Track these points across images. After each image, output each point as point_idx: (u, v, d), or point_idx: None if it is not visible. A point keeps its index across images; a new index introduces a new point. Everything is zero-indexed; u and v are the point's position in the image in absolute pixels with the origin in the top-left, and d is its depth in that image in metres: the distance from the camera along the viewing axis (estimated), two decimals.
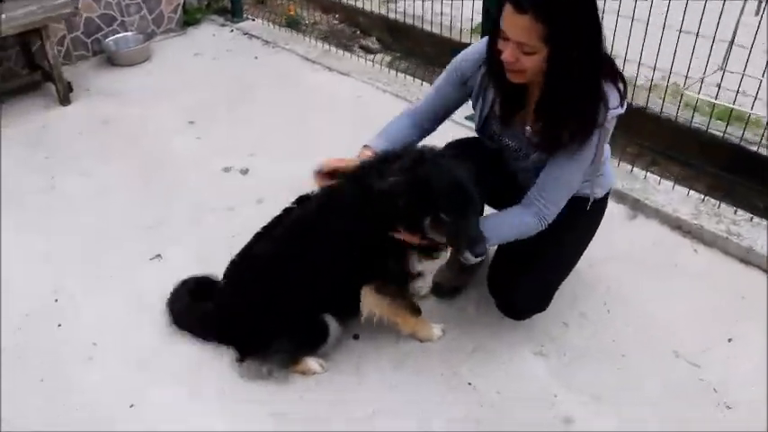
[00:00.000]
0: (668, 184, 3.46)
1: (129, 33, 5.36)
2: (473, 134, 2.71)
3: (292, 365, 2.57)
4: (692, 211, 3.26)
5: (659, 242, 3.21)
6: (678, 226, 3.25)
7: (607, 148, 2.53)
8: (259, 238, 2.60)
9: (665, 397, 2.48)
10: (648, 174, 3.54)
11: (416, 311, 2.63)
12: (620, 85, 2.20)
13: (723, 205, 3.29)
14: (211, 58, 5.27)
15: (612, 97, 2.18)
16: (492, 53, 2.22)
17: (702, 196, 3.35)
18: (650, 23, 3.41)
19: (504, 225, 2.37)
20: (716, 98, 3.12)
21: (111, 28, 5.33)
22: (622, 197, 3.43)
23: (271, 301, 2.47)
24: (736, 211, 3.24)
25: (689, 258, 3.11)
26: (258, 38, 5.56)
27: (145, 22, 5.52)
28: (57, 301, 2.98)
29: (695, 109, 3.65)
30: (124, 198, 3.65)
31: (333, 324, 2.55)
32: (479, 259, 2.26)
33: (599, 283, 2.98)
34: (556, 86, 2.14)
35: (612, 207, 3.40)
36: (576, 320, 2.81)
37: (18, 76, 4.85)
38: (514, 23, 2.02)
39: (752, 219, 3.19)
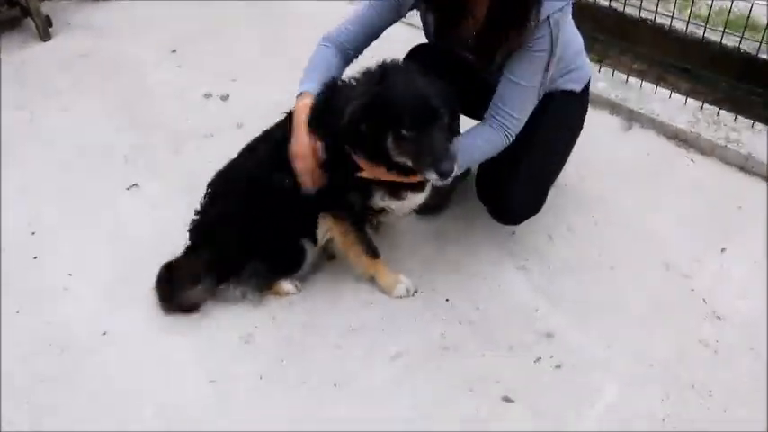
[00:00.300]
0: (665, 92, 3.28)
1: None
2: None
3: (267, 288, 2.50)
4: (689, 119, 3.09)
5: (654, 152, 3.05)
6: (674, 135, 3.08)
7: (579, 40, 2.37)
8: (242, 154, 2.49)
9: (652, 309, 2.39)
10: (644, 83, 3.35)
11: (373, 252, 2.44)
12: None
13: (723, 113, 3.11)
14: None
15: None
16: None
17: (701, 104, 3.16)
18: None
19: (468, 147, 2.23)
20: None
21: None
22: (616, 108, 3.26)
23: (245, 222, 2.38)
24: (735, 119, 3.06)
25: (684, 168, 2.96)
26: None
27: None
28: (33, 233, 2.93)
29: (707, 21, 3.40)
30: (102, 129, 3.55)
31: (309, 248, 2.46)
32: (447, 181, 2.02)
33: (588, 195, 2.85)
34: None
35: (606, 118, 3.29)
36: (563, 234, 2.70)
37: None
38: None
39: (753, 125, 3.01)
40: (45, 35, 4.46)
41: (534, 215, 2.51)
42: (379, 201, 2.27)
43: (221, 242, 2.43)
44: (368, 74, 2.13)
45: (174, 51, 4.20)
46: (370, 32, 2.37)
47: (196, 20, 4.57)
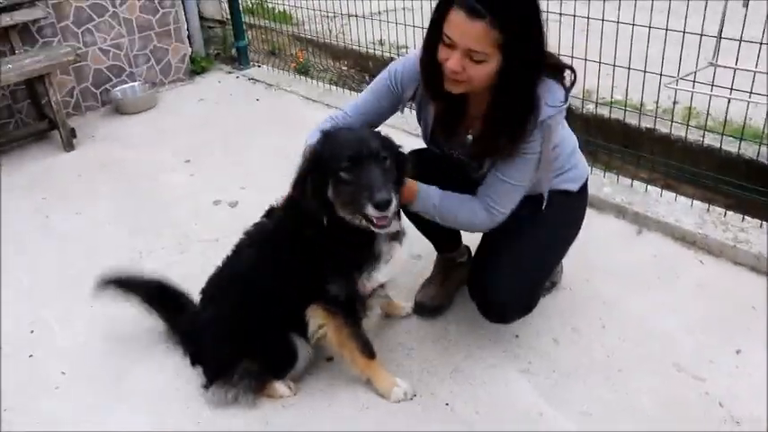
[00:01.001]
0: (670, 195, 3.27)
1: (137, 83, 5.47)
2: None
3: (259, 390, 2.41)
4: (695, 221, 3.05)
5: (661, 254, 2.99)
6: (682, 237, 3.04)
7: (573, 139, 2.40)
8: (229, 257, 2.50)
9: (665, 413, 2.25)
10: (650, 186, 3.35)
11: (369, 352, 2.35)
12: (566, 79, 2.10)
13: (730, 213, 3.07)
14: (214, 102, 5.33)
15: (552, 94, 2.07)
16: (429, 61, 2.08)
17: (707, 206, 3.14)
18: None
19: (454, 198, 2.26)
20: (711, 92, 2.92)
21: (119, 79, 5.45)
22: (622, 211, 3.25)
23: (233, 322, 2.34)
24: (743, 219, 3.02)
25: (693, 269, 2.89)
26: (262, 82, 5.62)
27: (153, 73, 5.64)
28: (32, 332, 2.92)
29: (706, 128, 3.44)
30: (113, 232, 3.62)
31: (302, 346, 2.39)
32: (387, 223, 2.00)
33: (594, 298, 2.78)
34: (507, 94, 2.04)
35: (611, 222, 3.26)
36: (568, 336, 2.60)
37: (27, 125, 4.96)
38: (466, 30, 1.90)
39: (761, 225, 2.96)
40: (69, 146, 4.67)
41: (525, 314, 2.44)
42: (366, 281, 2.19)
43: (209, 344, 2.40)
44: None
45: (188, 161, 4.35)
46: (369, 121, 2.41)
47: (213, 129, 4.79)
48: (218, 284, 2.48)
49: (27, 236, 3.68)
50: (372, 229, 2.04)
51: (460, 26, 1.91)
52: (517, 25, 1.90)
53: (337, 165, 1.99)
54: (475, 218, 2.24)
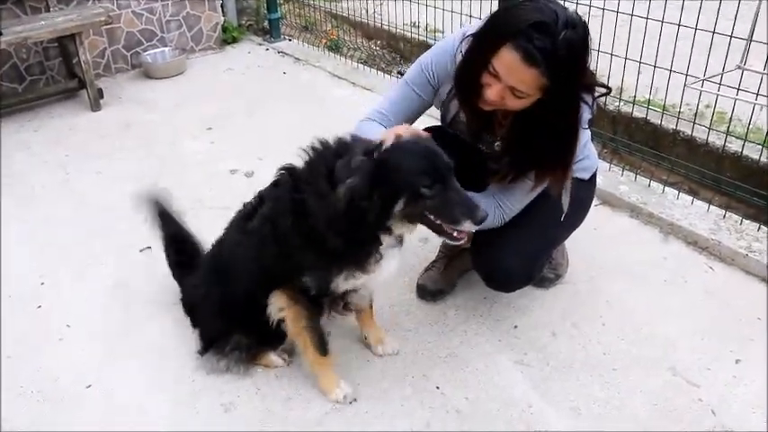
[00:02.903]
0: (687, 198, 3.21)
1: (167, 49, 5.51)
2: None
3: (252, 360, 2.44)
4: (710, 227, 3.00)
5: (671, 257, 2.95)
6: (694, 241, 2.99)
7: (587, 132, 2.37)
8: (227, 229, 2.47)
9: (655, 416, 2.23)
10: (667, 188, 3.30)
11: (323, 349, 2.29)
12: (592, 97, 2.06)
13: (746, 222, 3.01)
14: (241, 72, 5.35)
15: (585, 111, 2.05)
16: (470, 79, 2.02)
17: (723, 212, 3.08)
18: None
19: None
20: (736, 95, 2.85)
21: (150, 43, 5.50)
22: (635, 210, 3.20)
23: (224, 297, 2.34)
24: (759, 228, 2.96)
25: (702, 275, 2.85)
26: (291, 56, 5.62)
27: (184, 39, 5.68)
28: (43, 284, 2.99)
29: (728, 132, 3.37)
30: (129, 193, 3.65)
31: None
32: (463, 240, 2.01)
33: (597, 295, 2.75)
34: (528, 126, 2.04)
35: (624, 220, 3.21)
36: (567, 331, 2.59)
37: (57, 83, 5.04)
38: (518, 73, 1.86)
39: None
40: (96, 106, 4.73)
41: (526, 284, 2.50)
42: (342, 283, 2.12)
43: (204, 315, 2.45)
44: (326, 149, 2.05)
45: (209, 129, 4.38)
46: (407, 119, 2.35)
47: (237, 99, 4.82)
48: (212, 257, 2.49)
49: (47, 190, 3.76)
50: (448, 240, 2.02)
51: (512, 67, 1.86)
52: (566, 73, 1.87)
53: (417, 180, 1.90)
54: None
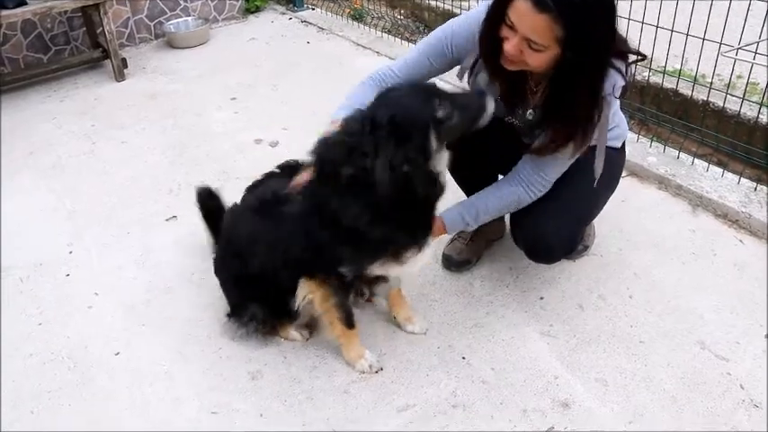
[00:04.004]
0: (717, 170, 3.16)
1: (190, 18, 5.49)
2: None
3: (269, 332, 2.46)
4: (740, 199, 2.94)
5: (700, 230, 2.90)
6: (724, 214, 2.94)
7: (617, 101, 2.32)
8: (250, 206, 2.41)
9: (682, 388, 2.21)
10: (696, 160, 3.24)
11: (349, 323, 2.29)
12: (627, 64, 2.03)
13: None
14: (265, 42, 5.33)
15: (610, 85, 2.00)
16: (489, 35, 2.00)
17: (755, 184, 3.02)
18: None
19: (491, 196, 2.27)
20: None
21: (173, 12, 5.49)
22: (664, 182, 3.15)
23: (242, 270, 2.34)
24: None
25: (732, 248, 2.80)
26: (314, 25, 5.59)
27: (207, 8, 5.65)
28: (71, 252, 3.03)
29: (761, 103, 3.29)
30: (155, 163, 3.70)
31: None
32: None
33: (625, 268, 2.73)
34: (567, 90, 1.98)
35: (652, 192, 3.17)
36: (593, 303, 2.57)
37: (82, 53, 5.06)
38: (529, 19, 1.82)
39: None
40: (120, 76, 4.74)
41: (568, 254, 2.53)
42: (377, 269, 2.13)
43: (224, 283, 2.49)
44: (352, 127, 1.92)
45: (234, 99, 4.38)
46: (420, 78, 2.31)
47: (261, 69, 4.81)
48: (233, 229, 2.43)
49: (74, 160, 3.79)
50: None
51: (524, 15, 1.83)
52: (583, 24, 1.82)
53: (429, 109, 1.88)
54: (517, 201, 2.26)
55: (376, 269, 2.13)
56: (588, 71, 1.93)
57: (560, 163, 2.21)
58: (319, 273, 2.16)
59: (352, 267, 2.11)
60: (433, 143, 1.90)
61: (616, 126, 2.36)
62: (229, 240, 2.42)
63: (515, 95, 2.21)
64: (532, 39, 1.86)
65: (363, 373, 2.33)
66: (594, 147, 2.25)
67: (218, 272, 2.51)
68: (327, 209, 1.99)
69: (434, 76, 2.36)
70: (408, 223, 2.04)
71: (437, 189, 2.03)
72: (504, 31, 1.93)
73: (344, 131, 1.93)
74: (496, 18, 1.94)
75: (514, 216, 2.44)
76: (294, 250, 2.13)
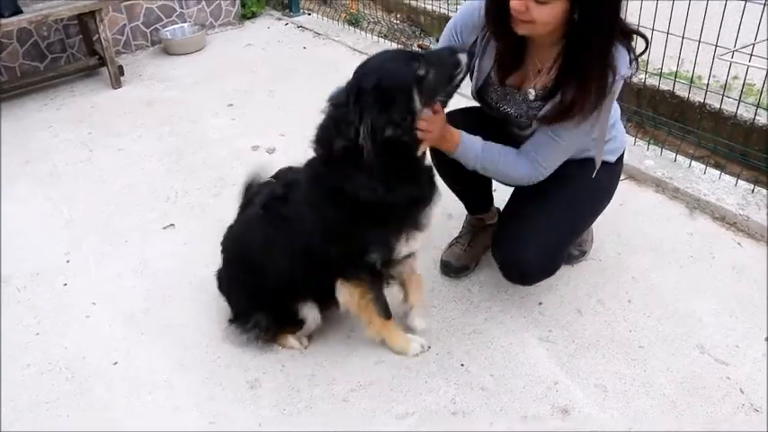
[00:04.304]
0: (714, 173, 3.16)
1: (186, 24, 5.49)
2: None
3: (270, 340, 2.46)
4: (738, 202, 2.94)
5: (698, 233, 2.90)
6: (721, 216, 2.94)
7: (616, 108, 2.31)
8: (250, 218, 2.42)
9: (682, 393, 2.21)
10: (693, 162, 3.24)
11: (386, 313, 2.33)
12: (632, 48, 2.01)
13: None
14: (261, 48, 5.33)
15: (623, 61, 1.99)
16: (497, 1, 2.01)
17: (752, 186, 3.02)
18: None
19: (496, 149, 2.21)
20: None
21: (169, 19, 5.48)
22: (661, 185, 3.15)
23: (247, 280, 2.35)
24: None
25: (730, 251, 2.80)
26: (311, 30, 5.59)
27: (203, 15, 5.65)
28: (68, 261, 3.02)
29: (758, 104, 3.30)
30: (151, 171, 3.70)
31: (311, 315, 2.36)
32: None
33: (624, 272, 2.72)
34: (579, 47, 1.95)
35: (650, 195, 3.17)
36: (592, 308, 2.56)
37: (78, 60, 5.05)
38: None
39: None
40: (116, 83, 4.74)
41: (546, 278, 2.40)
42: (404, 247, 2.15)
43: (229, 291, 2.48)
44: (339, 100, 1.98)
45: (230, 105, 4.38)
46: None
47: (258, 75, 4.81)
48: (236, 242, 2.43)
49: (71, 168, 3.79)
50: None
51: None
52: None
53: (410, 69, 1.89)
54: (516, 171, 2.20)
55: (402, 247, 2.14)
56: (597, 34, 1.90)
57: (556, 148, 2.16)
58: (350, 269, 2.18)
59: (380, 250, 2.12)
60: (417, 102, 1.94)
61: (612, 138, 2.34)
62: (236, 253, 2.40)
63: (516, 57, 2.16)
64: None
65: (417, 354, 2.38)
66: (591, 159, 2.26)
67: (222, 285, 2.51)
68: (340, 195, 2.01)
69: None
70: (414, 181, 2.07)
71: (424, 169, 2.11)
72: None
73: (332, 105, 1.98)
74: None
75: (497, 231, 2.44)
76: (319, 251, 2.13)
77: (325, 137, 2.00)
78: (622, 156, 2.46)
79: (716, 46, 2.96)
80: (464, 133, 2.21)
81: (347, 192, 1.99)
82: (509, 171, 2.23)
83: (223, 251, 2.50)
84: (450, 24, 2.31)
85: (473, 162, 2.23)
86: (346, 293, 2.24)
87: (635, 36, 2.03)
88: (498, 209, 2.80)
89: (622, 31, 1.99)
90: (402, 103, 1.90)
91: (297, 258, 2.18)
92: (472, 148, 2.21)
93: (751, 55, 2.86)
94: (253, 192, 2.45)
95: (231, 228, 2.49)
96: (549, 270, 2.37)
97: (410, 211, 2.10)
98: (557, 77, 2.08)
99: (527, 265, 2.30)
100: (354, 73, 1.98)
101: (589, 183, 2.30)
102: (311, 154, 2.12)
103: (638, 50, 2.05)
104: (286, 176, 2.34)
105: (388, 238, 2.11)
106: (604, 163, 2.34)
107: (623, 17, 2.00)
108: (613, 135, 2.34)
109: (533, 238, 2.26)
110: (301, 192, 2.17)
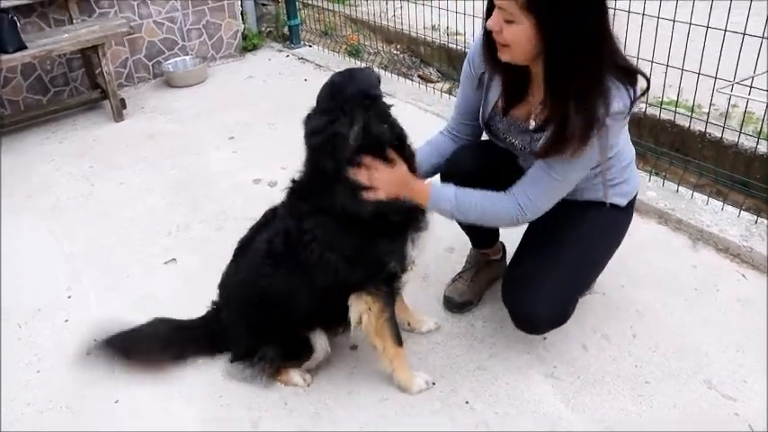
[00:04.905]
0: (717, 204, 3.15)
1: (188, 57, 5.54)
2: None
3: (274, 375, 2.44)
4: (741, 233, 2.94)
5: (701, 265, 2.89)
6: (725, 248, 2.93)
7: (632, 153, 2.30)
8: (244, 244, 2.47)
9: (690, 430, 2.18)
10: (695, 193, 3.24)
11: (399, 340, 2.32)
12: (632, 86, 1.97)
13: None
14: (262, 80, 5.37)
15: (618, 97, 1.94)
16: (485, 27, 2.02)
17: (755, 217, 3.01)
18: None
19: (474, 195, 2.18)
20: None
21: (171, 52, 5.54)
22: (664, 217, 3.15)
23: (250, 312, 2.35)
24: None
25: (735, 283, 2.78)
26: (311, 62, 5.63)
27: (205, 47, 5.70)
28: (69, 297, 3.01)
29: (759, 133, 3.31)
30: (153, 204, 3.70)
31: (320, 342, 2.36)
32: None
33: (628, 305, 2.70)
34: (552, 70, 1.93)
35: (653, 227, 3.16)
36: (597, 343, 2.54)
37: (81, 94, 5.09)
38: None
39: None
40: (118, 116, 4.77)
41: (557, 327, 2.37)
42: (413, 250, 2.20)
43: (234, 336, 2.47)
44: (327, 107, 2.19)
45: (232, 138, 4.40)
46: (467, 112, 2.41)
47: (259, 107, 4.84)
48: (236, 280, 2.44)
49: (73, 202, 3.79)
50: None
51: None
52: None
53: (376, 77, 2.16)
54: (502, 212, 2.15)
55: (413, 251, 2.21)
56: (569, 42, 1.85)
57: (550, 183, 2.11)
58: (370, 282, 2.19)
59: (398, 258, 2.18)
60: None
61: (624, 182, 2.30)
62: (240, 294, 2.39)
63: (518, 88, 2.16)
64: (502, 7, 1.87)
65: (421, 391, 2.37)
66: (603, 203, 2.27)
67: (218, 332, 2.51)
68: (343, 213, 2.10)
69: (477, 101, 2.35)
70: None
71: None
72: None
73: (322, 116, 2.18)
74: (490, 4, 1.96)
75: (507, 280, 2.40)
76: (340, 270, 2.16)
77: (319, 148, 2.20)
78: (634, 199, 2.42)
79: (715, 78, 2.98)
80: (435, 183, 2.24)
81: (348, 209, 2.09)
82: (495, 210, 2.16)
83: (227, 297, 2.50)
84: (466, 58, 2.33)
85: (449, 209, 2.19)
86: (363, 308, 2.22)
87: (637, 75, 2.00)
88: (503, 244, 2.79)
89: (620, 67, 1.97)
90: (380, 103, 2.16)
91: (313, 285, 2.20)
92: (444, 196, 2.19)
93: (750, 87, 2.88)
94: (244, 240, 2.47)
95: (229, 273, 2.48)
96: (559, 322, 2.34)
97: (410, 215, 2.18)
98: (542, 105, 2.09)
99: (537, 317, 2.27)
100: (329, 85, 2.19)
101: (602, 228, 2.29)
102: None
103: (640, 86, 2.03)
104: (275, 215, 2.40)
105: (399, 244, 2.17)
106: (615, 206, 2.33)
107: (622, 51, 2.00)
108: (625, 178, 2.31)
109: (546, 293, 2.21)
110: (303, 221, 2.21)
